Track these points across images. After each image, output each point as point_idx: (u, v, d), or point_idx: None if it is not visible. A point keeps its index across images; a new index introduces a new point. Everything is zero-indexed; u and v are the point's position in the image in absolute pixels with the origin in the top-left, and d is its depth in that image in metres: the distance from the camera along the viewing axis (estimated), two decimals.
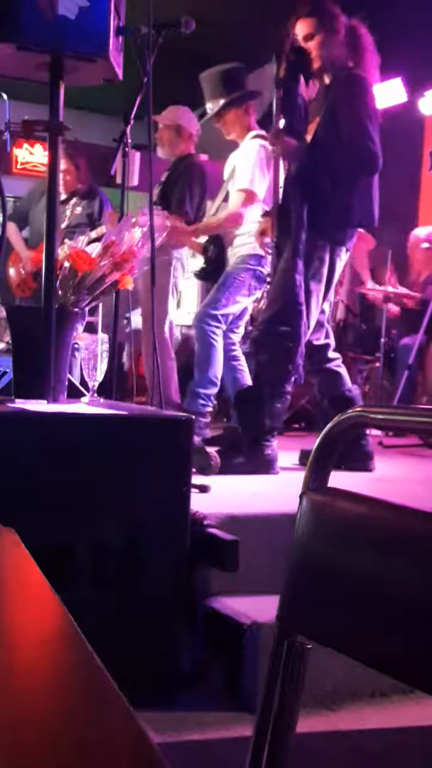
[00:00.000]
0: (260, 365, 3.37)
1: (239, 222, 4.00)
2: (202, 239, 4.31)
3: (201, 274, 4.38)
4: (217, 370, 4.03)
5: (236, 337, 4.26)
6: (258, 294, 4.19)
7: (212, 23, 4.48)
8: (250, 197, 3.99)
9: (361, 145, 3.19)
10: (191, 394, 4.04)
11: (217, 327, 4.00)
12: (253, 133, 4.08)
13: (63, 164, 4.79)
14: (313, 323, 3.36)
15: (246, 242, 4.07)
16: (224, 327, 4.04)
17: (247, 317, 4.36)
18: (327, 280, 3.36)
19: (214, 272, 4.20)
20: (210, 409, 4.10)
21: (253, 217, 4.05)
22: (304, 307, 3.24)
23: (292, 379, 3.29)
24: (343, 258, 3.42)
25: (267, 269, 4.02)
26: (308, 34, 3.32)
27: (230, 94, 4.00)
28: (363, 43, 3.37)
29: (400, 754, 1.99)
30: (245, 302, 4.10)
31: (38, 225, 4.72)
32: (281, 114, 3.31)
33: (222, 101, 4.00)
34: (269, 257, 3.97)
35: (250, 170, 3.99)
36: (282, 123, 3.30)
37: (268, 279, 5.39)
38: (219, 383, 4.08)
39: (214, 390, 4.07)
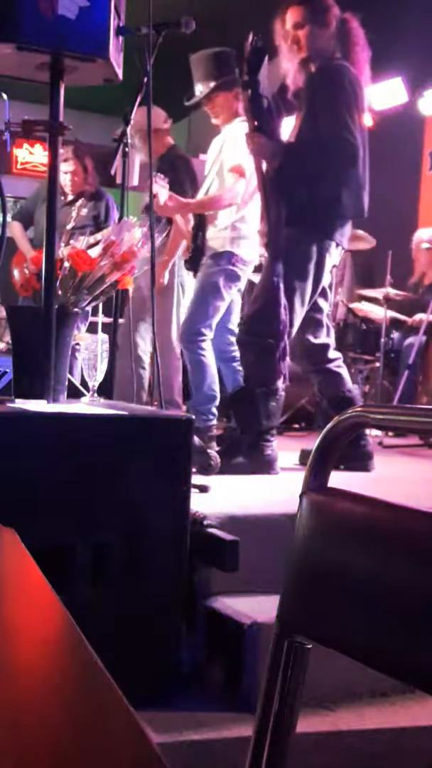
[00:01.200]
0: (248, 366, 3.37)
1: (235, 200, 3.90)
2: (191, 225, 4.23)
3: (189, 264, 4.23)
4: (213, 382, 3.95)
5: (234, 337, 4.18)
6: (234, 291, 4.07)
7: (212, 23, 4.48)
8: (241, 174, 3.89)
9: (337, 137, 3.15)
10: (193, 412, 3.98)
11: (203, 341, 3.91)
12: (240, 118, 3.99)
13: (71, 165, 4.79)
14: (298, 321, 3.33)
15: (216, 236, 3.97)
16: (211, 335, 3.95)
17: (237, 309, 4.26)
18: (315, 277, 3.32)
19: (200, 260, 4.10)
20: (214, 422, 4.05)
21: (230, 208, 3.97)
22: (282, 308, 3.20)
23: (282, 377, 3.28)
24: (333, 253, 3.37)
25: (240, 266, 3.94)
26: (297, 22, 3.30)
27: (221, 77, 3.92)
28: (353, 36, 3.34)
29: (400, 754, 1.99)
30: (224, 305, 3.99)
31: (43, 225, 4.71)
32: (250, 114, 3.29)
33: (213, 83, 3.93)
34: (241, 254, 3.92)
35: (239, 150, 3.88)
36: (254, 123, 3.28)
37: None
38: (218, 392, 3.99)
39: (216, 402, 3.99)
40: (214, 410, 3.99)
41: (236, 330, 4.18)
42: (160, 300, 4.34)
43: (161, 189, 3.90)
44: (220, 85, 3.93)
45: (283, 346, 3.23)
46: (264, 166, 3.34)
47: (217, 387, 3.97)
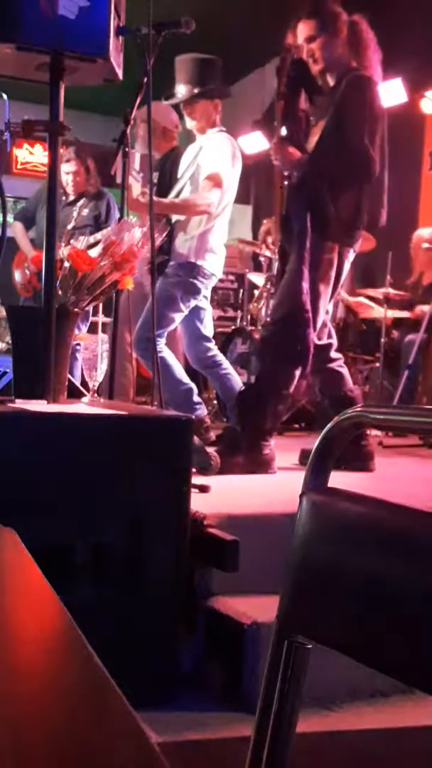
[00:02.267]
0: (266, 366, 3.38)
1: (209, 209, 3.86)
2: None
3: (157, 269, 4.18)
4: (180, 375, 3.94)
5: (210, 344, 4.11)
6: (194, 303, 3.96)
7: (212, 23, 4.48)
8: (217, 183, 3.86)
9: (358, 152, 3.18)
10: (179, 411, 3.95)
11: (156, 344, 3.88)
12: (216, 129, 3.99)
13: (73, 166, 4.80)
14: (320, 323, 3.38)
15: (183, 243, 3.93)
16: (164, 340, 3.90)
17: (209, 317, 4.20)
18: (335, 281, 3.38)
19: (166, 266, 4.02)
20: (203, 411, 4.03)
21: (201, 216, 3.93)
22: (310, 314, 3.25)
23: (300, 384, 3.30)
24: (350, 259, 3.43)
25: (200, 279, 3.90)
26: (310, 36, 3.31)
27: (205, 84, 3.90)
28: (364, 40, 3.36)
29: (400, 754, 1.99)
30: (180, 316, 3.95)
31: (44, 225, 4.70)
32: (282, 124, 3.31)
33: (196, 89, 3.89)
34: (205, 266, 3.89)
35: (218, 159, 3.88)
36: (283, 132, 3.30)
37: (269, 284, 5.34)
38: (191, 382, 3.97)
39: (193, 392, 3.97)
40: (196, 398, 3.97)
41: (210, 336, 4.15)
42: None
43: (135, 183, 3.87)
44: (203, 92, 3.90)
45: (309, 355, 3.25)
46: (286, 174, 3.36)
47: (186, 378, 3.95)
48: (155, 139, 4.35)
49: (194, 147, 4.07)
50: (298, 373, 3.27)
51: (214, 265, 3.96)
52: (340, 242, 3.34)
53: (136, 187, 3.86)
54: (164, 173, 4.34)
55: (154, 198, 3.89)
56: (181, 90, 3.94)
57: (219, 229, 3.97)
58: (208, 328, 4.14)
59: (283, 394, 3.30)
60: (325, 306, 3.38)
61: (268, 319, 3.78)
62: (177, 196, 4.03)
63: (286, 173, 3.36)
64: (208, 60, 3.94)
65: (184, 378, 3.95)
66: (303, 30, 3.32)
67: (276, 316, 3.43)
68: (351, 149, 3.21)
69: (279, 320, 3.36)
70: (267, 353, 3.37)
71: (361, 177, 3.26)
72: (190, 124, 4.04)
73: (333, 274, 3.35)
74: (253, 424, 3.32)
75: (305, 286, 3.24)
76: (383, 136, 3.29)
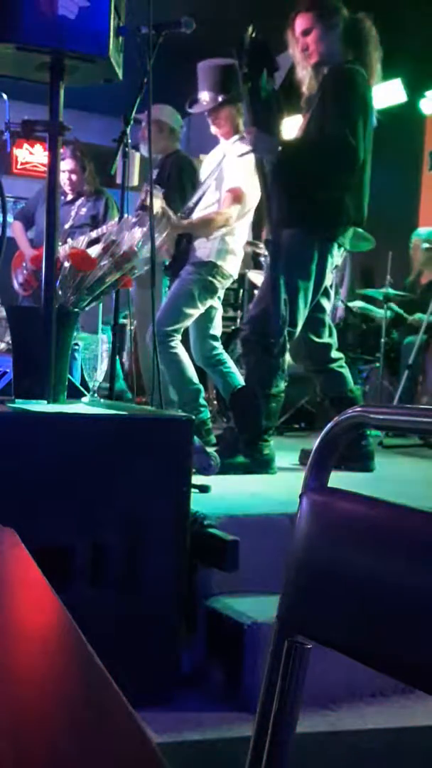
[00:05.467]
0: (250, 366, 3.37)
1: (228, 223, 3.89)
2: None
3: (169, 270, 4.15)
4: (191, 374, 3.95)
5: (216, 342, 4.13)
6: (210, 302, 3.99)
7: (212, 23, 4.47)
8: (238, 196, 3.88)
9: (342, 140, 3.14)
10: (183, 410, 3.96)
11: (172, 340, 3.88)
12: (240, 135, 3.96)
13: (69, 165, 4.80)
14: (301, 321, 3.33)
15: (203, 245, 3.96)
16: (179, 336, 3.93)
17: (219, 315, 4.21)
18: (317, 278, 3.33)
19: (182, 266, 4.05)
20: (207, 414, 4.04)
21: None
22: (282, 303, 3.22)
23: (283, 377, 3.29)
24: (335, 254, 3.39)
25: (219, 279, 3.92)
26: (306, 28, 3.31)
27: (230, 91, 3.91)
28: (365, 36, 3.35)
29: (400, 754, 1.99)
30: (197, 313, 3.96)
31: (43, 225, 4.70)
32: (251, 106, 3.29)
33: (221, 96, 3.92)
34: (224, 266, 3.91)
35: (241, 171, 3.89)
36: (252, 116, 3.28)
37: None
38: (200, 384, 3.99)
39: (201, 394, 3.98)
40: (202, 401, 3.98)
41: (218, 336, 4.16)
42: (146, 299, 4.31)
43: (155, 199, 3.87)
44: (228, 99, 3.92)
45: (282, 342, 3.24)
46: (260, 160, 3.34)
47: (196, 379, 3.97)
48: (163, 139, 4.37)
49: (220, 150, 4.09)
50: (278, 367, 3.26)
51: (233, 267, 3.99)
52: (321, 237, 3.31)
53: (156, 204, 3.86)
54: (163, 172, 4.35)
55: (173, 217, 3.90)
56: (205, 97, 3.97)
57: (240, 232, 4.00)
58: (217, 328, 4.17)
59: (272, 391, 3.29)
60: (307, 301, 3.33)
61: (246, 317, 3.77)
62: (201, 198, 4.04)
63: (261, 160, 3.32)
64: (230, 66, 3.93)
65: (194, 378, 3.96)
66: (300, 23, 3.32)
67: (253, 312, 3.42)
68: (334, 137, 3.17)
69: (255, 317, 3.34)
70: (249, 353, 3.36)
71: (341, 166, 3.20)
72: (214, 130, 4.07)
73: (313, 268, 3.30)
74: (248, 425, 3.32)
75: (277, 277, 3.23)
76: (368, 129, 3.26)
